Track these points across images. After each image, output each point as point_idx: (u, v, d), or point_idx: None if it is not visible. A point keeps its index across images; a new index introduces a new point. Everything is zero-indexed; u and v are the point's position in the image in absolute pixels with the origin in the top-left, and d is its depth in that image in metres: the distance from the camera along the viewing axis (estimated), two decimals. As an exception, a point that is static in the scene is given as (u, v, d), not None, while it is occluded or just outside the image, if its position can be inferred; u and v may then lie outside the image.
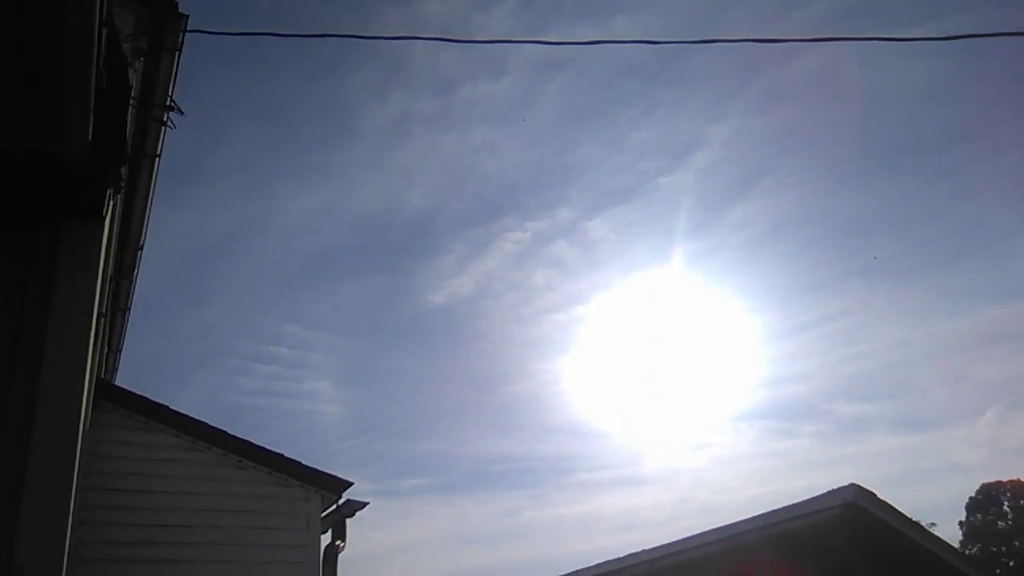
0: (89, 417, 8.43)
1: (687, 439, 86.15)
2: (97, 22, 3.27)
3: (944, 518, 67.62)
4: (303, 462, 11.30)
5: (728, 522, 10.20)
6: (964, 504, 69.10)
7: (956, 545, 67.12)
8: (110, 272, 9.38)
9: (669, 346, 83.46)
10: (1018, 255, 73.64)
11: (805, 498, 9.81)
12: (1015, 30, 7.12)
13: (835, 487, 9.61)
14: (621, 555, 10.53)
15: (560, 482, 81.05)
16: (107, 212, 4.56)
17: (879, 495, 9.68)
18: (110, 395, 9.92)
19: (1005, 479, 67.54)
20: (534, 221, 66.55)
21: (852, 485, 9.56)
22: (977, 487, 68.35)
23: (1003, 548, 66.70)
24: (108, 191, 4.44)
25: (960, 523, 68.90)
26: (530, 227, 66.91)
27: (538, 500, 76.76)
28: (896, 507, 9.84)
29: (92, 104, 3.71)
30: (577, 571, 10.88)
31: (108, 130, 4.21)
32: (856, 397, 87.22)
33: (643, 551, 10.13)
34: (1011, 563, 65.61)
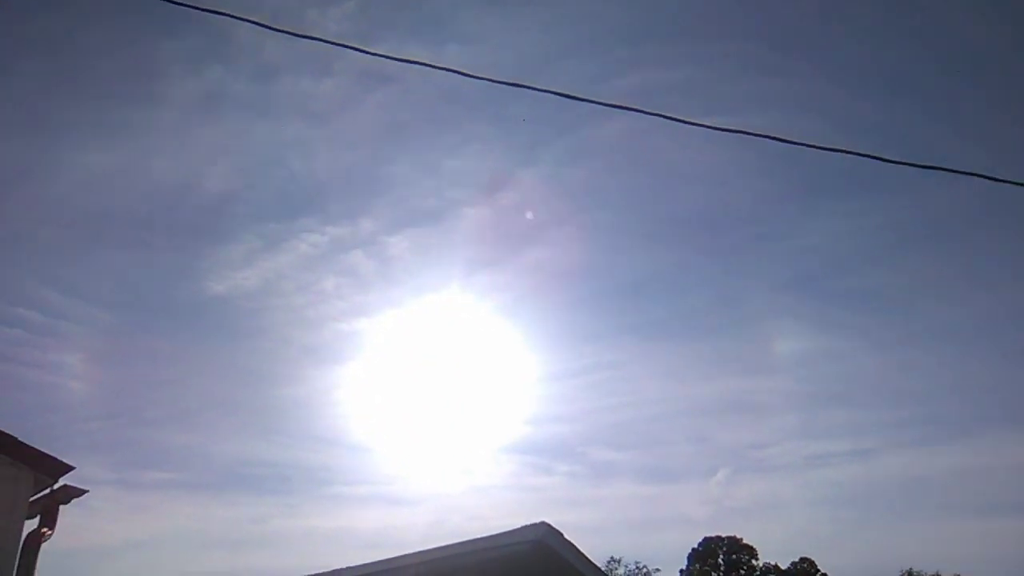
0: None
1: (450, 464, 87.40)
2: None
3: (668, 565, 72.60)
4: (18, 437, 10.87)
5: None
6: (687, 554, 74.64)
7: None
8: None
9: (447, 371, 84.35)
10: (768, 335, 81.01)
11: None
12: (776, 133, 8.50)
13: (529, 523, 10.51)
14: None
15: (316, 493, 79.39)
16: None
17: (566, 535, 10.67)
18: None
19: (724, 534, 73.73)
20: (334, 227, 65.34)
21: (543, 523, 10.46)
22: (700, 539, 74.12)
23: (707, 596, 72.56)
24: None
25: (680, 571, 74.33)
26: (329, 232, 65.61)
27: (290, 509, 74.69)
28: (580, 549, 10.86)
29: None
30: None
31: None
32: (610, 444, 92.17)
33: (334, 571, 10.44)
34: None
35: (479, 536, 10.68)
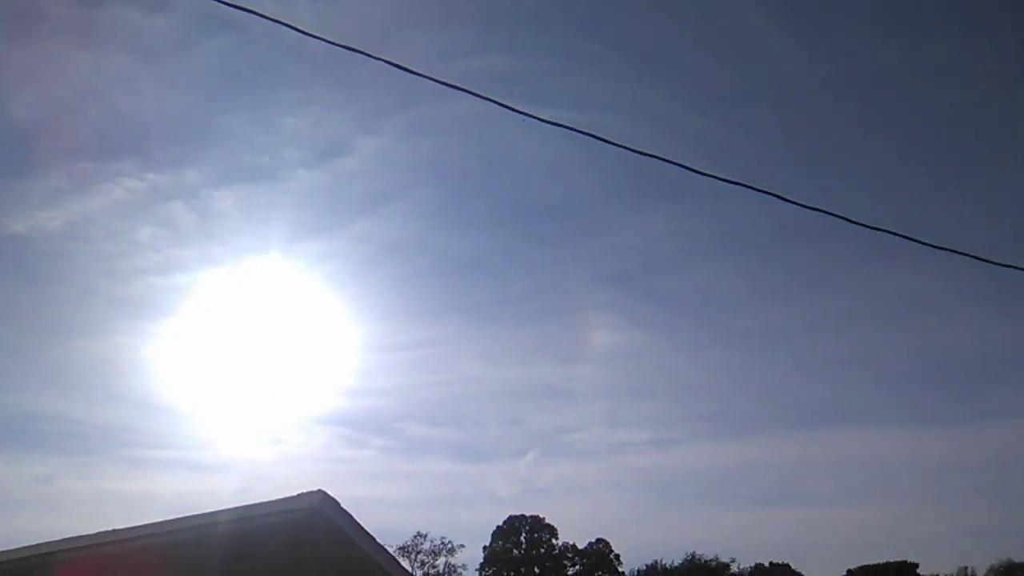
0: None
1: (262, 432, 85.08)
2: None
3: (473, 541, 73.94)
4: None
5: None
6: (491, 531, 76.26)
7: (476, 567, 73.97)
8: None
9: (265, 336, 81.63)
10: (585, 326, 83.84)
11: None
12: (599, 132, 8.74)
13: (305, 491, 10.43)
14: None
15: (114, 454, 75.07)
16: None
17: (343, 504, 10.67)
18: None
19: (528, 513, 75.91)
20: (155, 174, 61.52)
21: (319, 491, 10.38)
22: (505, 517, 75.87)
23: (512, 573, 74.55)
24: None
25: (484, 548, 75.83)
26: (149, 178, 61.72)
27: (82, 469, 70.23)
28: (357, 519, 10.90)
29: None
30: None
31: None
32: (426, 421, 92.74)
33: (100, 533, 9.77)
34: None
35: (253, 503, 10.52)
